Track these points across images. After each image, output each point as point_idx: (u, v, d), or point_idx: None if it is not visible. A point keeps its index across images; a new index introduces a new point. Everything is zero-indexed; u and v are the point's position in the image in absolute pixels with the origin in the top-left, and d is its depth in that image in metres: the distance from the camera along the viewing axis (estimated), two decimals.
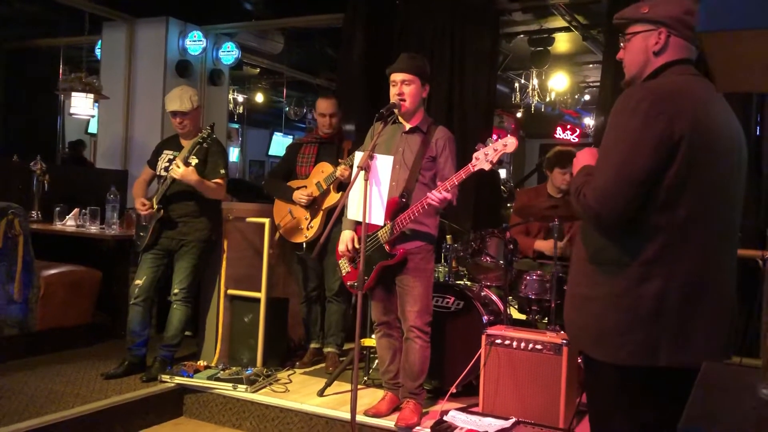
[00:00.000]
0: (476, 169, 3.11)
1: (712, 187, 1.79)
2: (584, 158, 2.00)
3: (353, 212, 3.22)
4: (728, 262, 1.88)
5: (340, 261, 3.57)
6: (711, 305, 1.80)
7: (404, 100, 3.32)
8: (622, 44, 2.00)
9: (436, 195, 3.13)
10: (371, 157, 3.06)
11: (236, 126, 12.25)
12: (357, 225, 3.39)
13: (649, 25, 1.91)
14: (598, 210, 1.79)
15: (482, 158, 3.09)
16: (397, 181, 3.32)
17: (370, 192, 3.06)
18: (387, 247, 3.34)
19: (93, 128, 9.42)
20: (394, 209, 3.29)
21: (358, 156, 3.19)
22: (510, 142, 3.06)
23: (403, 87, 3.32)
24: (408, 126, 3.43)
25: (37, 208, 5.27)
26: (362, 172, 3.03)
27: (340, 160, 4.09)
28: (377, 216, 3.11)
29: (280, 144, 14.05)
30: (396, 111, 3.35)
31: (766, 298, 2.95)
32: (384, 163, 3.08)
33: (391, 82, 3.37)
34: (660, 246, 1.76)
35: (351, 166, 3.98)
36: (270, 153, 14.13)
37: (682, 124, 1.73)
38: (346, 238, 3.47)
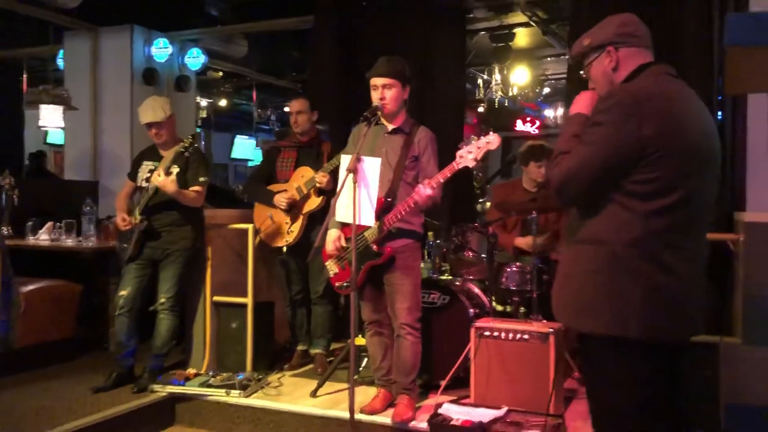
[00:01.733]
0: (461, 166, 3.20)
1: (683, 179, 1.94)
2: (582, 102, 2.16)
3: (342, 214, 3.26)
4: (698, 246, 2.04)
5: (327, 263, 3.62)
6: (679, 286, 1.95)
7: (386, 104, 3.39)
8: (585, 76, 2.20)
9: (422, 193, 3.21)
10: (359, 160, 3.12)
11: (198, 130, 12.15)
12: (344, 225, 3.45)
13: (596, 51, 2.12)
14: (558, 187, 2.03)
15: (466, 156, 3.18)
16: (382, 182, 3.37)
17: (359, 194, 3.13)
18: (375, 247, 3.40)
19: (52, 139, 9.25)
20: (380, 209, 3.35)
21: (345, 159, 3.24)
22: (493, 140, 3.15)
23: (384, 91, 3.38)
24: (390, 127, 3.50)
25: (8, 224, 5.18)
26: (351, 175, 3.09)
27: (321, 169, 4.12)
28: (367, 217, 3.17)
29: (242, 147, 13.91)
30: (379, 113, 3.41)
31: (738, 279, 3.12)
32: (372, 165, 3.15)
33: (371, 86, 3.42)
34: (634, 229, 1.93)
35: (330, 173, 4.04)
36: (233, 156, 14.01)
37: (651, 124, 1.90)
38: (332, 237, 3.51)
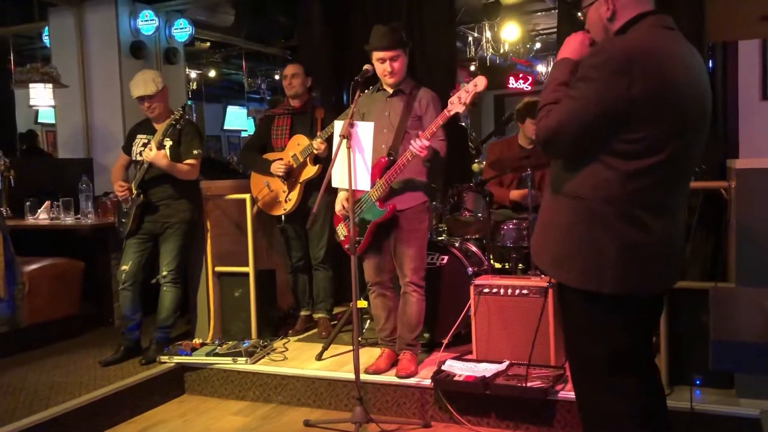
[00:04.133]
0: (452, 113, 3.27)
1: (670, 140, 1.90)
2: (571, 46, 2.11)
3: (338, 180, 3.29)
4: (678, 204, 2.04)
5: (338, 226, 3.66)
6: (654, 244, 1.95)
7: (396, 75, 3.46)
8: (582, 18, 2.13)
9: (417, 144, 3.26)
10: (351, 125, 3.14)
11: (189, 102, 12.05)
12: None
13: None
14: (545, 140, 1.99)
15: (456, 102, 3.23)
16: (386, 143, 3.43)
17: (354, 159, 3.15)
18: (378, 205, 3.44)
19: (43, 118, 9.17)
20: (383, 167, 3.41)
21: (338, 125, 3.26)
22: (479, 82, 3.20)
23: (392, 63, 3.43)
24: (391, 90, 3.54)
25: (6, 205, 5.19)
26: (344, 140, 3.11)
27: (317, 136, 4.13)
28: (362, 181, 3.20)
29: (235, 117, 13.83)
30: (382, 80, 3.50)
31: (731, 226, 3.15)
32: (365, 130, 3.17)
33: (378, 58, 3.44)
34: (613, 187, 1.92)
35: (326, 140, 4.05)
36: (225, 127, 13.94)
37: (642, 84, 1.84)
38: (341, 198, 3.56)
